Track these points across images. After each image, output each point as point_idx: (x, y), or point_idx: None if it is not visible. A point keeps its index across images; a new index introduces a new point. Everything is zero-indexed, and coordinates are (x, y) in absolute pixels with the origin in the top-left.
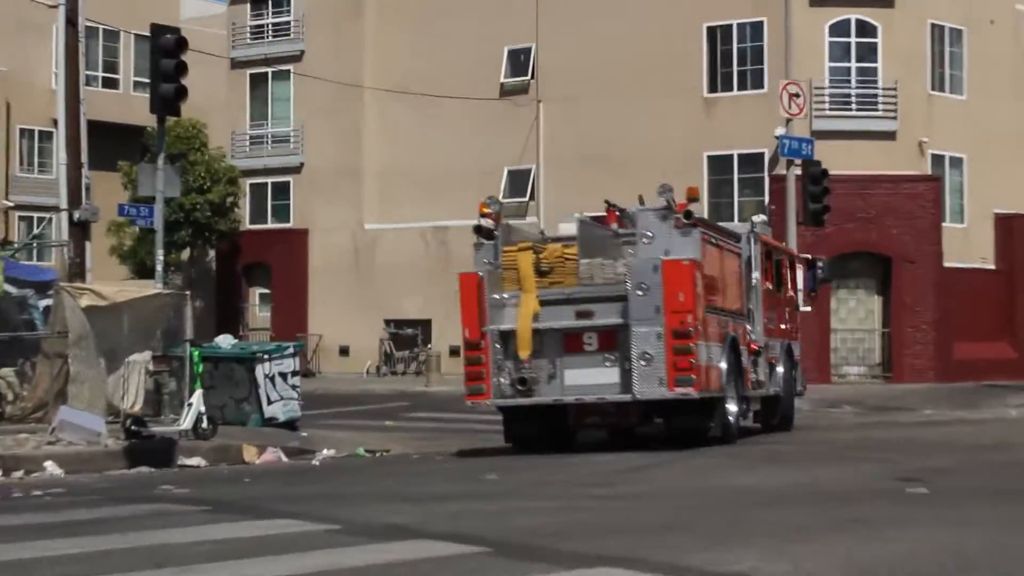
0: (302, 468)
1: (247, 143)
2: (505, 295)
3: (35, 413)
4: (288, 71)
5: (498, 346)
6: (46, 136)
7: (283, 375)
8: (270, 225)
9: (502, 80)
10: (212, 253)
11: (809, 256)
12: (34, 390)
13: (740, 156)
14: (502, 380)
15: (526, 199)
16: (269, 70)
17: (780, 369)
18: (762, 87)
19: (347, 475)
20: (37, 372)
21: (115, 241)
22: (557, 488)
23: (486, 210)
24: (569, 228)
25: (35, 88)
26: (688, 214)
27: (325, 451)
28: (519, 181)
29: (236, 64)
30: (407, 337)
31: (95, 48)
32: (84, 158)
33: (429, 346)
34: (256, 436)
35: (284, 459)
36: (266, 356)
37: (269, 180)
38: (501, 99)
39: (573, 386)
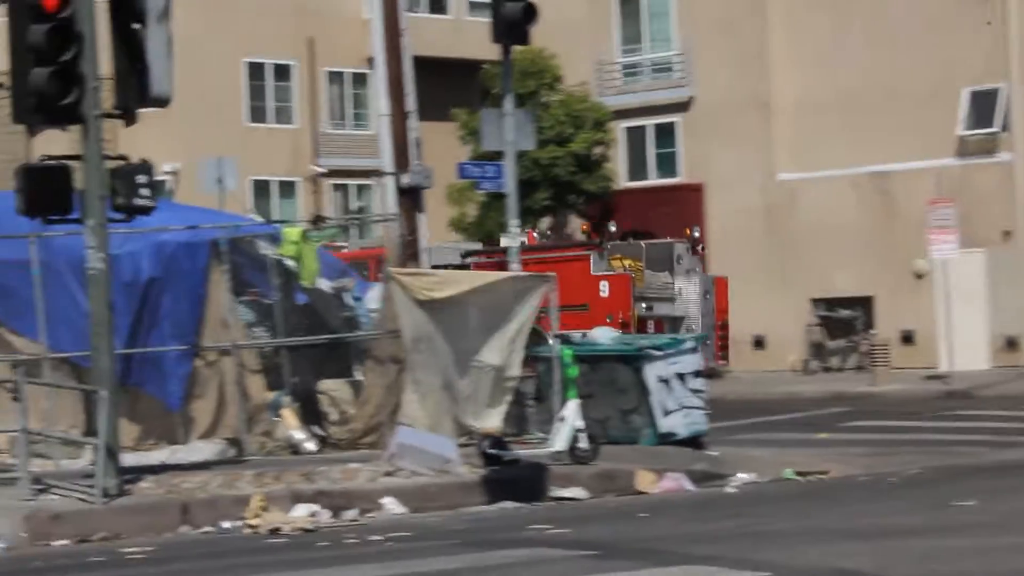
0: (713, 498)
1: (618, 75)
2: None
3: (366, 436)
4: None
5: None
6: (360, 80)
7: (681, 377)
8: (652, 181)
9: None
10: (579, 221)
11: None
12: (364, 407)
13: None
14: None
15: (996, 129)
16: None
17: None
18: None
19: (772, 505)
20: (366, 384)
21: (455, 211)
22: None
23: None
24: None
25: (343, 20)
26: (701, 247)
27: (742, 475)
28: (984, 106)
29: None
30: (842, 321)
31: None
32: (410, 106)
33: (872, 332)
34: (651, 457)
35: (689, 487)
36: (658, 353)
37: (649, 121)
38: None
39: None
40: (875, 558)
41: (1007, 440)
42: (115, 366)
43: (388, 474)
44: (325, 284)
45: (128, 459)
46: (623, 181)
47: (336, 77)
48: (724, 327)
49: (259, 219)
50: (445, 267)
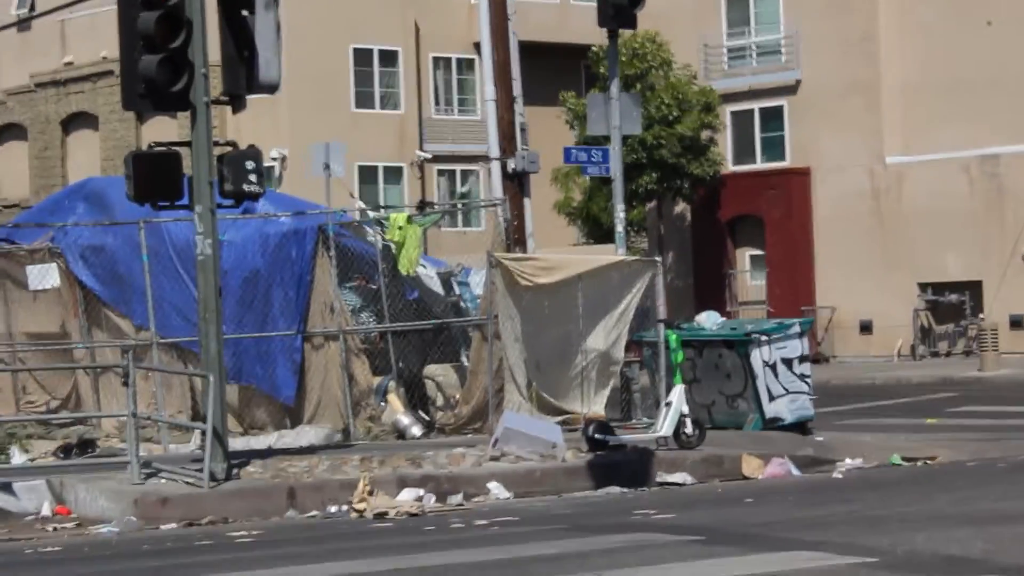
0: (819, 483)
1: (724, 58)
2: None
3: (472, 421)
4: None
5: None
6: (466, 65)
7: (787, 362)
8: (759, 165)
9: None
10: (685, 205)
11: None
12: (469, 392)
13: None
14: None
15: None
16: None
17: None
18: None
19: (880, 491)
20: (472, 369)
21: (560, 196)
22: None
23: None
24: None
25: (450, 5)
26: None
27: (848, 460)
28: None
29: None
30: (950, 306)
31: None
32: (517, 91)
33: (981, 316)
34: (756, 443)
35: (795, 472)
36: (764, 337)
37: (755, 105)
38: None
39: None
40: (983, 544)
41: None
42: (223, 352)
43: (494, 459)
44: (430, 270)
45: (236, 443)
46: (730, 165)
47: (442, 62)
48: None
49: (362, 206)
50: None
